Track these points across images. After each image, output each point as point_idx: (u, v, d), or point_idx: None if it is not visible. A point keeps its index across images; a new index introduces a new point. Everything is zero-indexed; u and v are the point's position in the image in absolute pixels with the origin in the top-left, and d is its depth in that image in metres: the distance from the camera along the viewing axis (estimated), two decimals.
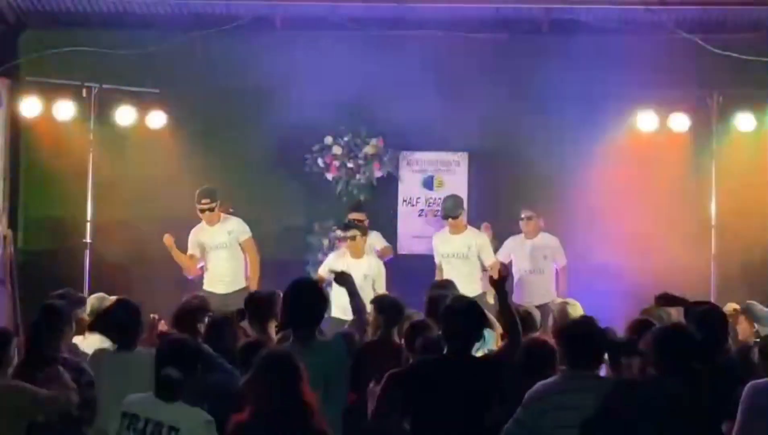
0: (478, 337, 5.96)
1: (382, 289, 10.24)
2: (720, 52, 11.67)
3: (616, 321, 7.81)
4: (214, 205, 10.88)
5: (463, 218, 11.06)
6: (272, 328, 7.17)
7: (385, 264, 10.98)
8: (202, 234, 10.99)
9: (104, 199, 11.99)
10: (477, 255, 10.90)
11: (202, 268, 10.99)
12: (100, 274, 11.55)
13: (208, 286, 10.90)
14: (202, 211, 10.88)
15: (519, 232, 11.45)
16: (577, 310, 8.17)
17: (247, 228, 11.03)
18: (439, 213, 11.53)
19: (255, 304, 7.47)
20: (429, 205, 12.43)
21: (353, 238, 10.68)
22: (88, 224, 11.88)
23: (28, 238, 12.58)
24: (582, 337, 5.73)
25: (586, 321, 5.98)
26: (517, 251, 11.30)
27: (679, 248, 11.70)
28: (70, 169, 12.09)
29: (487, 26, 12.23)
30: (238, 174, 12.20)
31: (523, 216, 11.35)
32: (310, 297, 6.02)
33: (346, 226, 10.86)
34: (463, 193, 12.23)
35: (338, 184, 12.31)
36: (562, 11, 12.08)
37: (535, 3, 12.08)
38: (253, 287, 10.52)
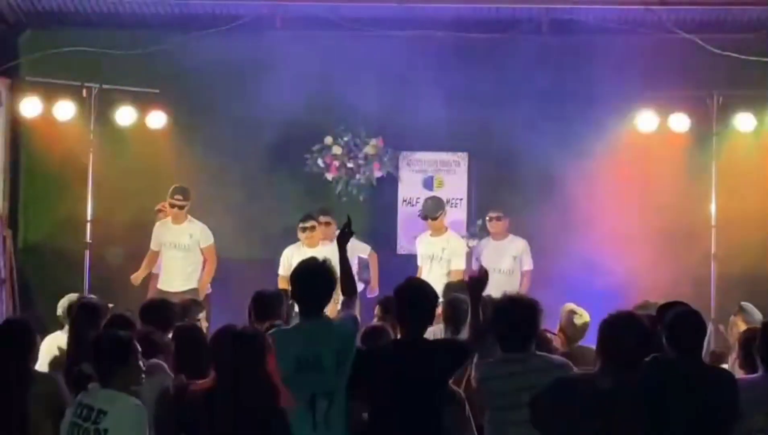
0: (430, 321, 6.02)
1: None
2: (720, 52, 11.67)
3: None
4: (185, 203, 11.16)
5: (444, 220, 11.12)
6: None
7: (386, 264, 11.01)
8: (165, 231, 11.27)
9: (104, 199, 11.98)
10: (448, 258, 10.98)
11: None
12: (100, 274, 11.55)
13: (163, 285, 11.12)
14: (173, 205, 11.16)
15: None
16: (583, 318, 8.16)
17: (210, 235, 11.28)
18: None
19: (261, 304, 7.45)
20: None
21: (312, 228, 10.97)
22: (88, 224, 11.87)
23: (28, 238, 12.58)
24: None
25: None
26: (484, 250, 11.28)
27: (679, 248, 11.70)
28: (70, 169, 12.09)
29: (487, 26, 12.22)
30: (238, 174, 12.21)
31: (491, 216, 11.36)
32: (318, 277, 5.96)
33: (307, 217, 11.00)
34: (463, 193, 12.26)
35: (338, 184, 12.31)
36: (562, 11, 12.08)
37: (535, 3, 12.09)
38: (203, 290, 11.02)
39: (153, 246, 11.34)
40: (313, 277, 5.92)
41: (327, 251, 10.53)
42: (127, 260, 11.72)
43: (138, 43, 11.96)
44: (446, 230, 11.16)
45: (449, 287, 8.79)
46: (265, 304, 7.43)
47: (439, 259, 11.03)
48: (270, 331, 5.97)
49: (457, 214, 12.15)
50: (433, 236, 11.13)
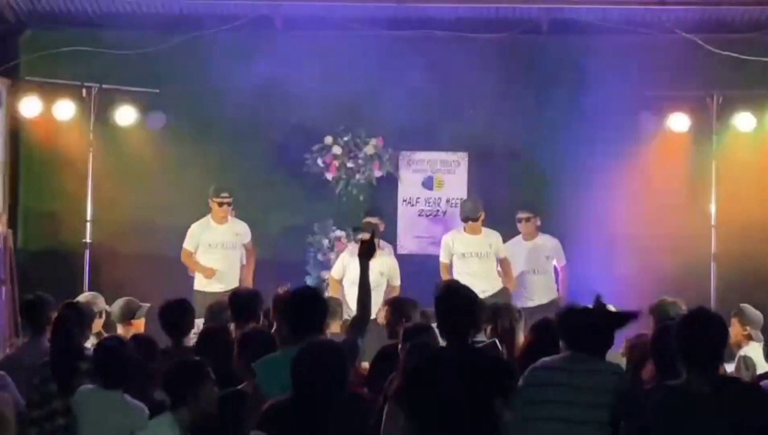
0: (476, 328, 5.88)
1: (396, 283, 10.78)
2: (720, 52, 11.68)
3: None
4: (231, 199, 11.01)
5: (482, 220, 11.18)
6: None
7: None
8: (207, 231, 11.06)
9: (104, 199, 11.98)
10: (495, 253, 11.04)
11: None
12: (100, 274, 11.55)
13: (201, 285, 10.94)
14: (221, 204, 10.95)
15: (518, 231, 11.47)
16: None
17: (249, 231, 11.17)
18: (439, 213, 11.52)
19: (238, 303, 7.44)
20: (429, 205, 12.43)
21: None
22: (88, 224, 11.88)
23: (28, 238, 12.57)
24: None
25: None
26: (516, 252, 11.31)
27: (679, 248, 11.70)
28: (70, 169, 12.09)
29: (487, 26, 12.22)
30: (238, 174, 12.19)
31: (520, 216, 11.39)
32: (312, 305, 5.92)
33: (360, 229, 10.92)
34: (463, 193, 12.25)
35: (338, 184, 12.31)
36: (562, 11, 12.08)
37: (535, 3, 12.09)
38: (249, 284, 10.71)
39: (189, 246, 11.06)
40: (304, 304, 5.89)
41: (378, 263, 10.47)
42: (127, 260, 11.72)
43: (138, 43, 11.96)
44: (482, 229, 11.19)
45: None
46: (243, 304, 7.42)
47: (486, 255, 11.01)
48: (256, 362, 5.83)
49: (457, 214, 12.14)
50: (471, 234, 11.10)
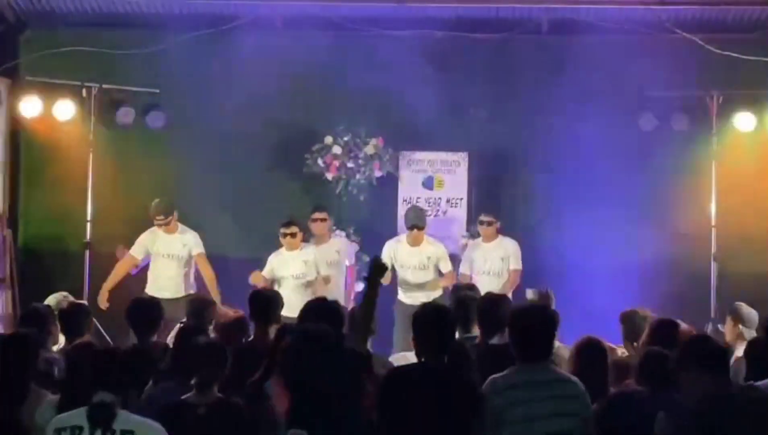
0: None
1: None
2: (720, 52, 11.67)
3: (614, 319, 7.83)
4: (169, 219, 10.91)
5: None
6: (272, 329, 7.13)
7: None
8: (157, 240, 11.02)
9: (104, 200, 11.98)
10: (435, 264, 11.08)
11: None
12: (100, 274, 11.54)
13: (153, 291, 10.81)
14: (158, 226, 10.92)
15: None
16: None
17: (200, 242, 11.02)
18: (439, 213, 11.53)
19: (258, 304, 7.44)
20: (429, 205, 12.42)
21: (293, 234, 10.91)
22: (88, 224, 11.88)
23: (28, 238, 12.57)
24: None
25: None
26: (475, 254, 11.29)
27: (679, 248, 11.70)
28: (70, 169, 12.09)
29: (487, 26, 12.22)
30: (238, 174, 12.20)
31: (482, 219, 11.35)
32: (325, 317, 5.93)
33: (288, 223, 10.98)
34: (463, 193, 12.25)
35: (338, 184, 12.31)
36: (562, 11, 12.08)
37: (535, 3, 12.08)
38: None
39: (135, 253, 11.07)
40: (320, 318, 5.90)
41: (310, 252, 10.82)
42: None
43: (138, 43, 11.96)
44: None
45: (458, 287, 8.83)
46: (262, 305, 7.42)
47: (424, 267, 11.13)
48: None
49: (457, 214, 12.15)
50: (413, 245, 11.15)
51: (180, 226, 11.08)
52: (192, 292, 10.82)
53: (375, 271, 6.08)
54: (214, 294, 10.60)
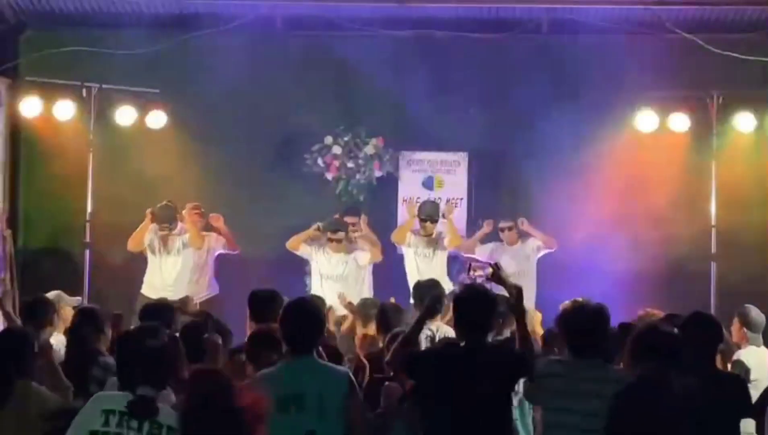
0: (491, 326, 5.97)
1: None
2: (720, 52, 11.67)
3: (616, 320, 7.82)
4: (173, 226, 11.02)
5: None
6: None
7: (386, 264, 11.03)
8: (153, 237, 11.07)
9: (104, 199, 11.98)
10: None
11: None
12: (100, 274, 11.55)
13: (148, 291, 10.87)
14: (164, 232, 11.02)
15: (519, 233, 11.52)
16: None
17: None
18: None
19: (257, 304, 7.43)
20: None
21: (339, 240, 11.03)
22: (88, 224, 11.88)
23: (28, 238, 12.57)
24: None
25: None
26: (502, 257, 11.25)
27: (680, 248, 11.70)
28: (70, 168, 12.09)
29: (487, 26, 12.22)
30: (238, 174, 12.21)
31: (502, 226, 11.49)
32: (306, 316, 5.85)
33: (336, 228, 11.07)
34: (463, 193, 12.25)
35: (338, 184, 12.31)
36: (562, 11, 12.08)
37: (535, 3, 12.08)
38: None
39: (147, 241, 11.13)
40: (301, 317, 5.81)
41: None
42: (127, 260, 11.71)
43: (138, 43, 11.95)
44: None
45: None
46: (260, 304, 7.40)
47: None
48: (256, 375, 5.85)
49: (457, 214, 12.14)
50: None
51: (181, 225, 11.12)
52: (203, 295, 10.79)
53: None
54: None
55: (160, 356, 5.18)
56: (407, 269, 11.37)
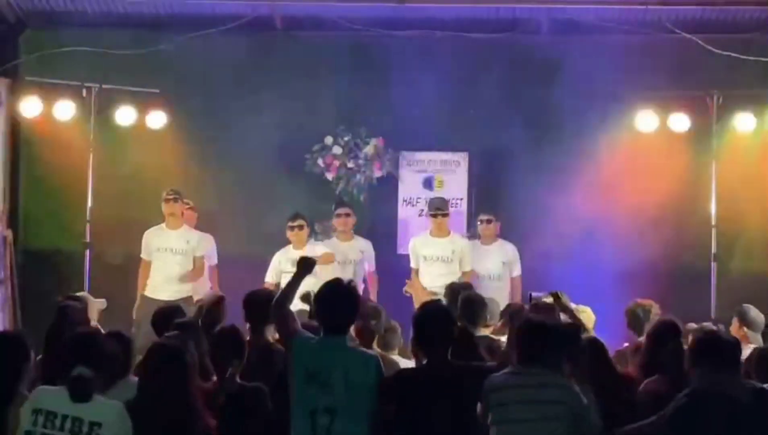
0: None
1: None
2: (720, 52, 11.67)
3: (615, 320, 7.84)
4: (178, 197, 11.01)
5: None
6: (270, 331, 7.12)
7: (385, 264, 11.02)
8: (160, 236, 11.05)
9: (104, 199, 11.98)
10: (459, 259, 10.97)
11: None
12: (100, 274, 11.55)
13: (149, 292, 10.87)
14: (167, 200, 10.98)
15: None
16: (589, 316, 8.17)
17: (206, 243, 11.17)
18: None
19: (253, 306, 7.41)
20: None
21: (300, 227, 10.93)
22: (88, 224, 11.87)
23: (28, 238, 12.57)
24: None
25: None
26: (475, 256, 11.14)
27: (679, 248, 11.70)
28: (70, 169, 12.08)
29: (487, 26, 12.22)
30: (238, 174, 12.20)
31: (482, 218, 11.32)
32: (341, 298, 5.88)
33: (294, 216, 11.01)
34: (463, 193, 12.25)
35: (338, 184, 12.31)
36: (562, 11, 12.07)
37: (535, 3, 12.08)
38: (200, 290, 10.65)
39: (145, 255, 11.13)
40: (336, 298, 5.85)
41: (319, 249, 10.74)
42: (127, 260, 11.71)
43: (138, 43, 11.96)
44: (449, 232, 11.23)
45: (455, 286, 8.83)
46: (257, 306, 7.38)
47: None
48: (293, 337, 5.87)
49: (457, 214, 12.13)
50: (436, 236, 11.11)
51: (186, 226, 11.10)
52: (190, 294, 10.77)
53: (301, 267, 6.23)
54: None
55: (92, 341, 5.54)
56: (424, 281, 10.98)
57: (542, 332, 5.71)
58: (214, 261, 11.39)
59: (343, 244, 11.25)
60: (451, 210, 11.68)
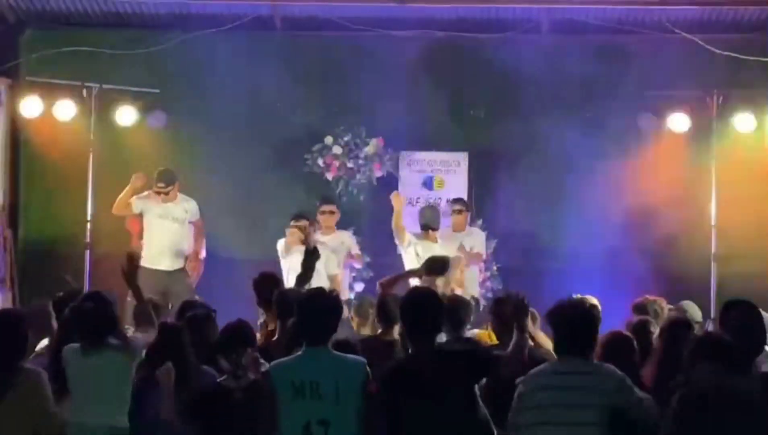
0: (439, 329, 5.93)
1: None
2: (720, 52, 11.68)
3: (615, 320, 7.83)
4: (169, 188, 10.93)
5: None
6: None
7: (385, 264, 11.02)
8: (159, 205, 11.00)
9: (104, 199, 11.97)
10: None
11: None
12: (100, 274, 11.54)
13: (147, 262, 10.64)
14: (158, 193, 10.93)
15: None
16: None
17: (197, 208, 11.18)
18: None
19: (281, 302, 7.35)
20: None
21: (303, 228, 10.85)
22: (88, 224, 11.88)
23: (28, 238, 12.57)
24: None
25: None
26: (446, 246, 11.16)
27: (679, 248, 11.70)
28: (70, 168, 12.09)
29: (487, 26, 12.23)
30: (238, 174, 12.20)
31: (453, 208, 11.27)
32: (323, 308, 5.84)
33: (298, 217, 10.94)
34: (463, 193, 12.24)
35: (338, 184, 12.32)
36: (562, 11, 12.08)
37: (535, 3, 12.09)
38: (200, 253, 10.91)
39: (136, 209, 11.04)
40: (316, 309, 5.80)
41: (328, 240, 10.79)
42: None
43: (138, 43, 11.97)
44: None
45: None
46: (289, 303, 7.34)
47: None
48: (270, 365, 5.85)
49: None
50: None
51: (180, 195, 11.10)
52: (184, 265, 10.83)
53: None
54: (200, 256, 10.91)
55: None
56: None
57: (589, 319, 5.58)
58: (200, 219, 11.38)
59: (325, 237, 11.22)
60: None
